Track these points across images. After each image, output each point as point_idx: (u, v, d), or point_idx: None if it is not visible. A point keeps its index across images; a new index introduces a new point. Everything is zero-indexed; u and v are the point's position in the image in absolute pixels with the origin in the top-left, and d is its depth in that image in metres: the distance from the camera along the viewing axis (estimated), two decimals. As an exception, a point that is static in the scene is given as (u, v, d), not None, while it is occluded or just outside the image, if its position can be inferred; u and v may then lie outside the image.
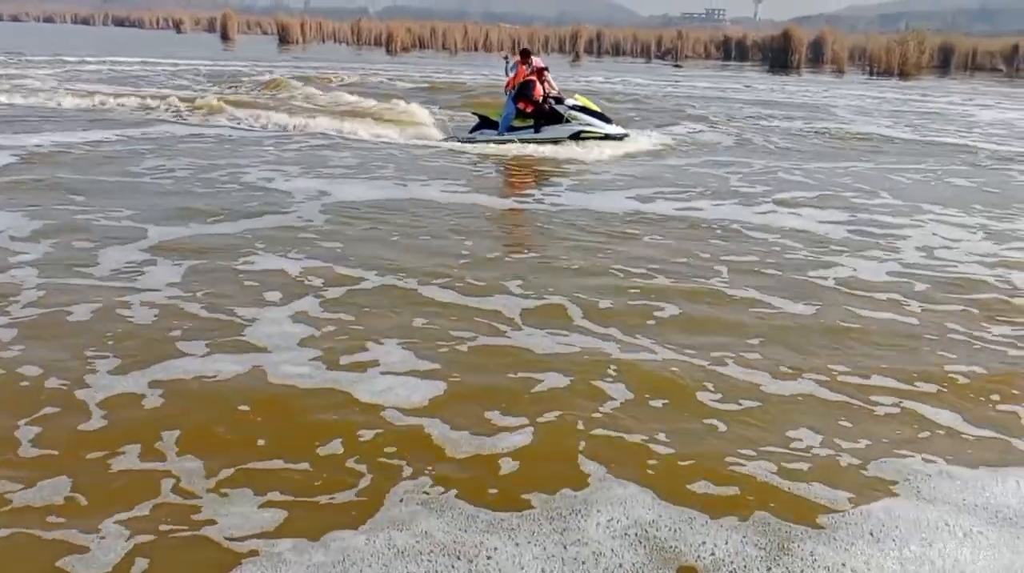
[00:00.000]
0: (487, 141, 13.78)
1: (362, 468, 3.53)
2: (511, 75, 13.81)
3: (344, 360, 4.62)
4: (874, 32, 62.06)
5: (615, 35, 62.20)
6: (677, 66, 49.35)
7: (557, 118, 13.71)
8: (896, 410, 4.22)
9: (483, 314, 5.42)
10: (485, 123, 14.30)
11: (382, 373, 4.45)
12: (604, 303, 5.69)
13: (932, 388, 4.50)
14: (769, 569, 2.91)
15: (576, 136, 13.56)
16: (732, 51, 57.45)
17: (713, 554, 2.98)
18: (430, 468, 3.53)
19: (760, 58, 53.07)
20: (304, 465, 3.54)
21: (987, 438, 3.97)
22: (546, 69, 13.93)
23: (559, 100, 13.87)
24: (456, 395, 4.23)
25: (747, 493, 3.39)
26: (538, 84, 13.68)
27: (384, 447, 3.69)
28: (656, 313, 5.53)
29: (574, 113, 13.75)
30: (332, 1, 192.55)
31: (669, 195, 9.75)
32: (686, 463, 3.62)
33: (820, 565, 2.94)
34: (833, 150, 14.45)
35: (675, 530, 3.13)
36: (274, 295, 5.66)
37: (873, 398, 4.35)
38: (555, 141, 13.45)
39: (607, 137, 13.65)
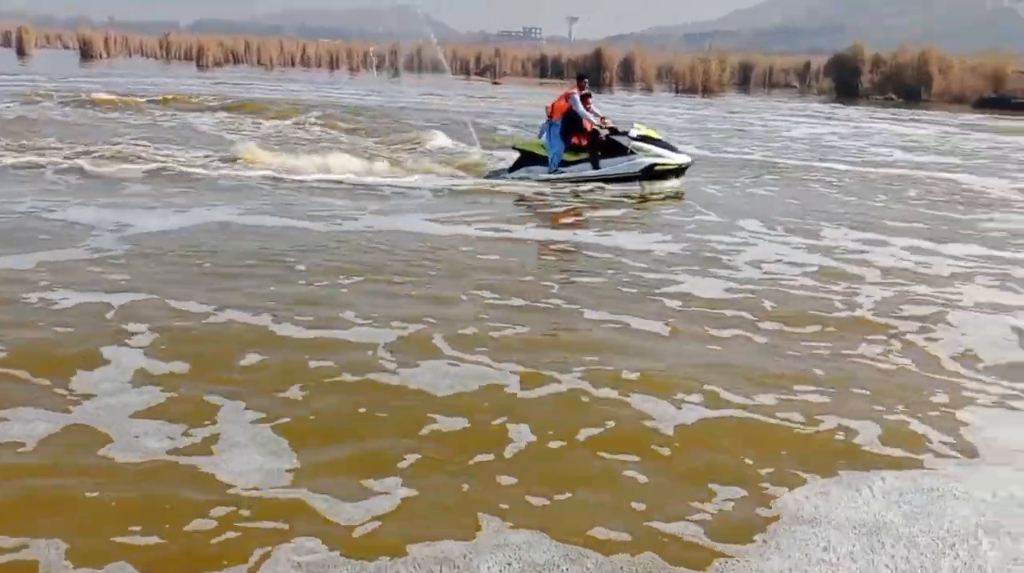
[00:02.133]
0: (539, 179, 12.13)
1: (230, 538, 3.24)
2: (555, 102, 12.12)
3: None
4: (680, 52, 65.19)
5: (434, 51, 62.46)
6: (495, 83, 50.12)
7: (618, 150, 12.08)
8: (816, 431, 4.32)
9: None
10: (528, 158, 12.45)
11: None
12: (466, 330, 5.56)
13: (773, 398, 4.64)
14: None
15: (649, 171, 12.00)
16: (548, 69, 58.98)
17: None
18: (304, 533, 3.29)
19: (575, 75, 54.66)
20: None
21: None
22: (589, 95, 12.41)
23: (615, 131, 12.24)
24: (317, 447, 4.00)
25: (633, 533, 3.34)
26: (590, 113, 12.13)
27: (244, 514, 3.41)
28: (502, 333, 5.46)
29: (639, 144, 12.07)
30: (138, 14, 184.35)
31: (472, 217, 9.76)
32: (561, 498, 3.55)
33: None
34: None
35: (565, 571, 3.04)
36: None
37: (784, 417, 4.42)
38: (625, 178, 11.99)
39: (680, 169, 12.22)
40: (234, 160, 12.78)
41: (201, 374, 4.69)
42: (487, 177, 12.66)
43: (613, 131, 12.15)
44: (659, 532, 3.33)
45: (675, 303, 6.35)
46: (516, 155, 12.66)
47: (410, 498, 3.51)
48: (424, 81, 47.20)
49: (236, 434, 4.00)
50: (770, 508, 3.52)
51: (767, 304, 6.43)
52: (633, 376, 4.85)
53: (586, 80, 12.94)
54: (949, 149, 20.28)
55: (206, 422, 4.11)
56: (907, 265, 7.88)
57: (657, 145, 12.16)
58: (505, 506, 3.47)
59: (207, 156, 13.20)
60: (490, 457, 3.88)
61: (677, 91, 47.25)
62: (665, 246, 8.33)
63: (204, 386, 4.53)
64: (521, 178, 12.30)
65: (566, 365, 4.96)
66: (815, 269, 7.63)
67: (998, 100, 40.36)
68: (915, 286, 7.11)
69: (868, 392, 4.77)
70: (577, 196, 11.32)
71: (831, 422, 4.37)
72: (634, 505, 3.52)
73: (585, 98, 12.13)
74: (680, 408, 4.45)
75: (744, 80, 54.07)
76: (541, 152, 12.34)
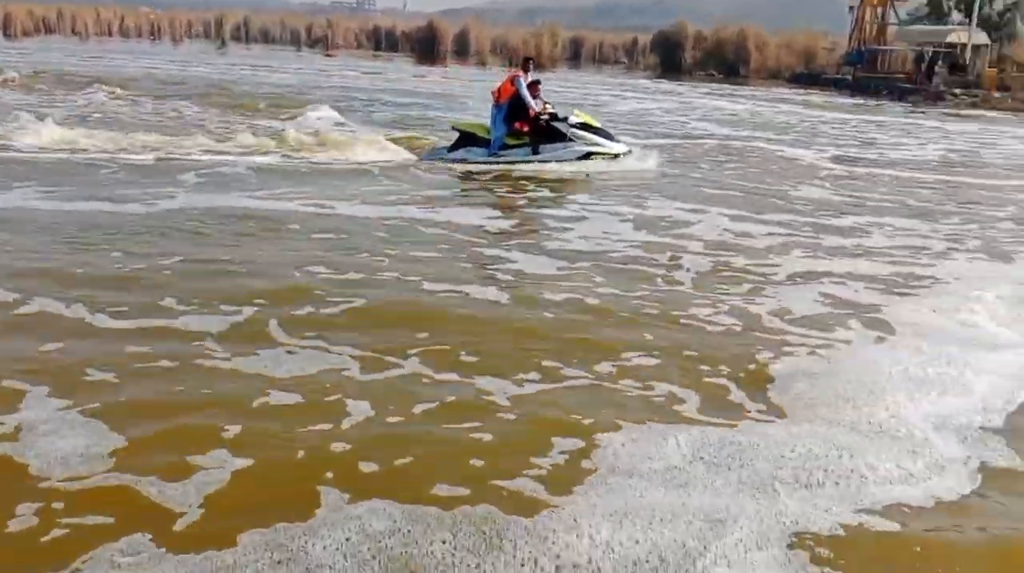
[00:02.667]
0: (476, 162, 12.09)
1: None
2: (501, 86, 12.09)
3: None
4: (514, 26, 65.73)
5: (264, 21, 60.58)
6: (328, 55, 49.17)
7: (556, 137, 12.16)
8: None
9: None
10: (468, 139, 12.46)
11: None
12: (301, 310, 5.56)
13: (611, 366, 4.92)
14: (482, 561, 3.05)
15: (586, 158, 12.12)
16: (382, 41, 58.23)
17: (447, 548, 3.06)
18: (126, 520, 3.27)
19: (409, 48, 54.27)
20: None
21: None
22: (538, 82, 12.34)
23: (554, 116, 12.27)
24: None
25: (472, 488, 3.50)
26: (534, 99, 12.11)
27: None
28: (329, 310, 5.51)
29: (578, 132, 12.23)
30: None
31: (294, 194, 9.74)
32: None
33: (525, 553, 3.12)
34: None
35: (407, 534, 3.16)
36: None
37: (615, 381, 4.65)
38: (559, 163, 11.99)
39: (616, 157, 12.31)
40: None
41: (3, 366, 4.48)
42: (424, 158, 12.56)
43: (553, 117, 12.21)
44: (497, 487, 3.50)
45: (508, 278, 6.52)
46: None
47: (242, 471, 3.54)
48: (253, 53, 45.69)
49: (46, 420, 3.89)
50: (593, 462, 3.75)
51: (598, 277, 6.67)
52: (472, 349, 5.00)
53: (531, 62, 12.87)
54: (763, 123, 21.46)
55: (9, 410, 3.97)
56: (727, 235, 8.32)
57: (595, 133, 12.34)
58: (343, 477, 3.55)
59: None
60: (327, 427, 3.95)
61: (511, 65, 47.68)
62: (497, 222, 8.51)
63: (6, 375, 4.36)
64: (458, 160, 12.27)
65: (406, 341, 5.06)
66: (642, 241, 7.95)
67: (809, 76, 42.88)
68: (734, 256, 7.53)
69: (695, 354, 5.09)
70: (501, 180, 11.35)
71: (658, 384, 4.65)
72: (473, 464, 3.68)
73: (533, 84, 12.12)
74: (518, 378, 4.62)
75: (575, 55, 55.12)
76: (483, 134, 12.33)
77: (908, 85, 35.75)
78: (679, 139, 16.85)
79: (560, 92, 29.15)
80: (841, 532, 3.33)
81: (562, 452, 3.84)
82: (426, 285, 6.18)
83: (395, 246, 7.25)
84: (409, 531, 3.17)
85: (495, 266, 6.87)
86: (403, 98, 22.58)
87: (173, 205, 8.42)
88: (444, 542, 3.12)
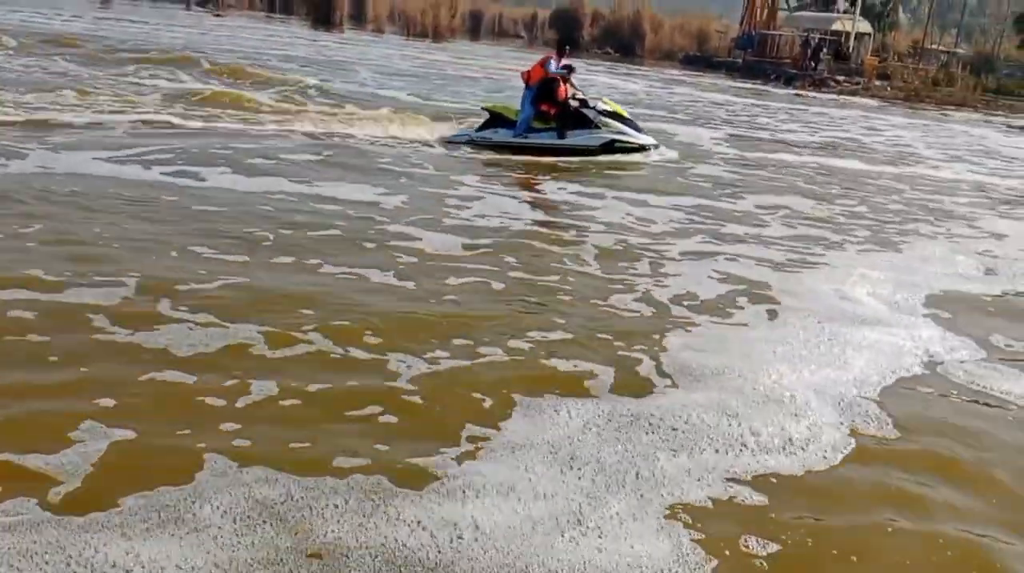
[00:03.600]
0: (501, 143, 12.00)
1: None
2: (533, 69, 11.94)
3: None
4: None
5: (150, -22, 58.10)
6: (217, 15, 47.64)
7: (583, 123, 12.02)
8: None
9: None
10: (497, 121, 12.35)
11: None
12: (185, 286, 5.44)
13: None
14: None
15: (608, 146, 11.97)
16: (276, 2, 56.71)
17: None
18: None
19: (305, 12, 52.99)
20: None
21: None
22: (571, 68, 12.12)
23: (584, 103, 12.17)
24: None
25: (368, 461, 3.53)
26: (562, 83, 11.97)
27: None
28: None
29: (605, 119, 12.11)
30: None
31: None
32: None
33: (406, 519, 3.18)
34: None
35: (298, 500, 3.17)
36: None
37: (519, 358, 4.71)
38: (583, 151, 11.89)
39: (641, 148, 12.22)
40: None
41: None
42: (450, 138, 12.45)
43: (582, 103, 12.10)
44: (395, 459, 3.52)
45: (411, 259, 6.46)
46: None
47: (124, 442, 3.49)
48: (140, 11, 43.82)
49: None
50: (488, 436, 3.80)
51: (508, 258, 6.69)
52: (375, 329, 5.00)
53: (567, 47, 12.70)
54: (658, 103, 21.87)
55: None
56: (627, 218, 8.44)
57: (622, 122, 12.19)
58: (234, 446, 3.52)
59: None
60: (221, 404, 3.90)
61: (409, 34, 47.20)
62: (392, 198, 8.43)
63: None
64: (483, 139, 12.22)
65: (308, 321, 5.02)
66: (543, 222, 8.02)
67: (701, 58, 43.83)
68: (634, 237, 7.67)
69: (592, 330, 5.19)
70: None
71: (555, 360, 4.73)
72: (370, 439, 3.69)
73: (565, 69, 11.95)
74: (420, 356, 4.63)
75: (475, 27, 54.86)
76: (512, 116, 12.22)
77: (794, 70, 36.88)
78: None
79: (457, 63, 29.15)
80: (718, 500, 3.47)
81: (459, 427, 3.88)
82: (326, 267, 6.14)
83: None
84: (302, 497, 3.20)
85: (397, 244, 6.79)
86: (292, 63, 22.08)
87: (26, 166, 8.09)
88: (335, 507, 3.16)
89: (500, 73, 26.24)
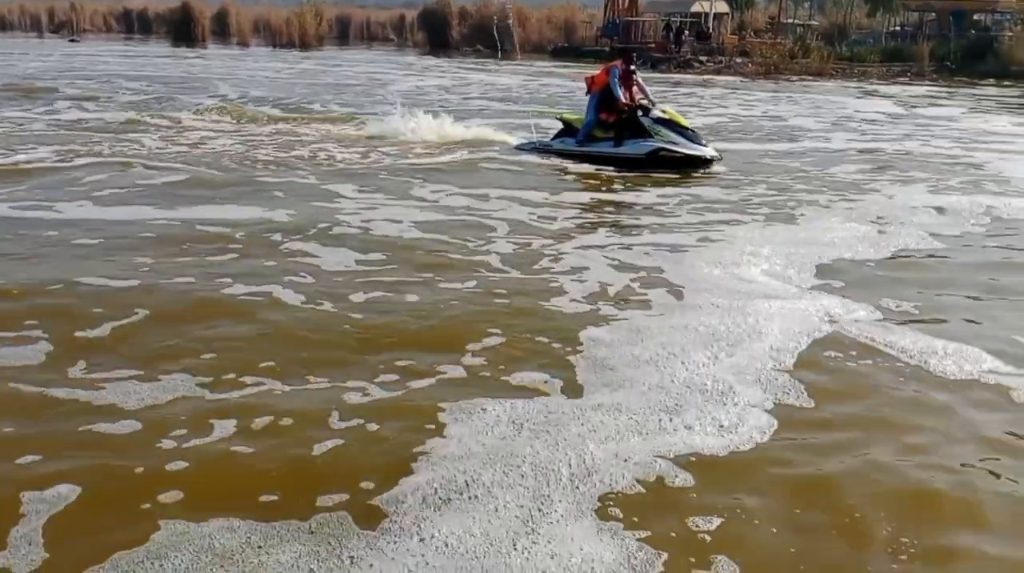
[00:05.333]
0: (563, 152, 11.99)
1: None
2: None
3: None
4: (275, 5, 63.60)
5: (-5, 7, 55.50)
6: (73, 40, 45.86)
7: (640, 131, 11.50)
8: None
9: None
10: (569, 129, 12.22)
11: None
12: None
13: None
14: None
15: (654, 156, 11.34)
16: (134, 23, 54.99)
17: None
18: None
19: (165, 31, 51.48)
20: None
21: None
22: (633, 73, 11.79)
23: (646, 110, 11.61)
24: None
25: (311, 492, 3.52)
26: (623, 90, 11.60)
27: None
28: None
29: (658, 127, 11.47)
30: None
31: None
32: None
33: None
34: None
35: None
36: None
37: (430, 360, 4.75)
38: (635, 161, 11.35)
39: (689, 160, 11.35)
40: None
41: None
42: (521, 147, 12.67)
43: (642, 110, 11.64)
44: (337, 487, 3.51)
45: (308, 279, 6.42)
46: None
47: (76, 501, 3.37)
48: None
49: None
50: (427, 449, 3.82)
51: (419, 255, 6.77)
52: (299, 352, 4.97)
53: (633, 55, 12.50)
54: (531, 96, 22.13)
55: None
56: (527, 215, 8.52)
57: (679, 132, 11.54)
58: (184, 494, 3.46)
59: None
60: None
61: (275, 45, 46.42)
62: (277, 216, 8.37)
63: None
64: (547, 147, 12.34)
65: (199, 343, 4.96)
66: (437, 223, 8.00)
67: (571, 48, 44.49)
68: (539, 236, 7.76)
69: (509, 330, 5.26)
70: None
71: (477, 362, 4.80)
72: (311, 466, 3.67)
73: (628, 75, 11.70)
74: (348, 374, 4.62)
75: (343, 33, 54.26)
76: (579, 126, 12.09)
77: (659, 54, 37.84)
78: (471, 118, 17.07)
79: (331, 71, 28.86)
80: (651, 490, 3.56)
81: (396, 443, 3.89)
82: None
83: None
84: (255, 541, 3.16)
85: (297, 261, 6.71)
86: (140, 82, 21.50)
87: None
88: (293, 543, 3.15)
89: (379, 73, 26.13)
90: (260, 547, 3.13)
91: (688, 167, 11.27)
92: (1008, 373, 4.80)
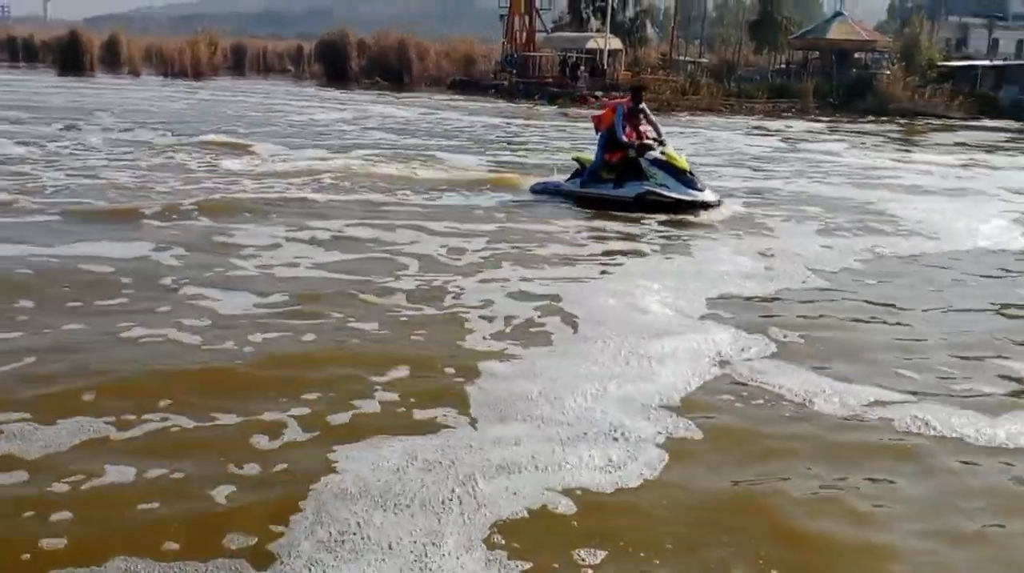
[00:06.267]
0: (568, 192, 11.63)
1: None
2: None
3: None
4: (167, 34, 62.40)
5: None
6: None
7: (639, 173, 11.04)
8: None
9: None
10: (583, 170, 11.74)
11: None
12: None
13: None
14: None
15: (641, 199, 10.89)
16: (19, 52, 53.14)
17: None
18: None
19: (52, 60, 49.83)
20: None
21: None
22: (640, 112, 11.31)
23: (646, 150, 11.10)
24: None
25: (200, 537, 3.44)
26: (629, 128, 11.10)
27: None
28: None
29: (653, 169, 10.98)
30: None
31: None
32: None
33: None
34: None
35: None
36: None
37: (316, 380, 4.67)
38: (625, 204, 10.91)
39: (680, 205, 10.82)
40: None
41: None
42: (534, 188, 12.22)
43: (641, 149, 11.12)
44: (222, 529, 3.45)
45: (203, 322, 6.32)
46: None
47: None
48: None
49: None
50: (319, 489, 3.78)
51: (321, 293, 6.73)
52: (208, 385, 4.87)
53: (643, 92, 11.95)
54: (437, 131, 22.24)
55: None
56: (439, 250, 8.49)
57: (672, 174, 11.01)
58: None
59: None
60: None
61: (167, 75, 45.46)
62: (165, 257, 8.18)
63: None
64: (555, 189, 11.92)
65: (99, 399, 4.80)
66: (340, 262, 7.89)
67: (469, 82, 44.82)
68: (442, 271, 7.77)
69: (402, 366, 5.25)
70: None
71: (378, 398, 4.80)
72: (200, 511, 3.58)
73: (634, 113, 11.29)
74: (235, 410, 4.55)
75: (238, 63, 53.45)
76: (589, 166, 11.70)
77: (557, 89, 38.49)
78: (368, 149, 17.04)
79: (228, 102, 28.40)
80: (541, 522, 3.61)
81: (292, 484, 3.85)
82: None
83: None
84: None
85: (192, 303, 6.53)
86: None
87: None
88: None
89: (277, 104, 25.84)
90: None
91: (681, 210, 10.84)
92: (889, 406, 4.99)
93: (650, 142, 11.21)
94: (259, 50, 55.86)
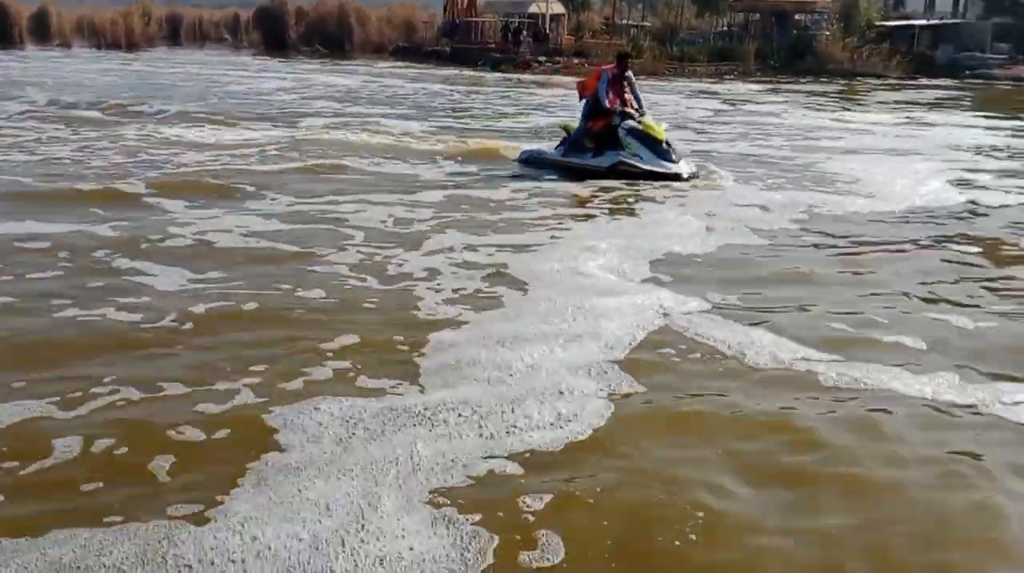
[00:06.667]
0: (551, 162, 11.49)
1: None
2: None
3: None
4: (101, 5, 60.64)
5: None
6: None
7: (617, 141, 10.83)
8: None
9: None
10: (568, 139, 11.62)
11: None
12: None
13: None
14: None
15: (613, 168, 10.72)
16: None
17: None
18: None
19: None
20: None
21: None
22: (624, 80, 11.05)
23: (627, 118, 10.86)
24: None
25: (143, 501, 3.43)
26: (612, 95, 10.85)
27: None
28: None
29: (628, 139, 10.79)
30: None
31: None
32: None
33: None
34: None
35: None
36: None
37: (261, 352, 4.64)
38: (598, 174, 10.69)
39: (651, 175, 10.60)
40: None
41: None
42: (520, 157, 12.15)
43: (623, 116, 10.91)
44: (164, 494, 3.42)
45: (142, 299, 6.21)
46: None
47: None
48: None
49: None
50: (263, 458, 3.76)
51: (263, 265, 6.63)
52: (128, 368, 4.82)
53: (628, 59, 11.55)
54: (371, 97, 22.03)
55: None
56: (387, 220, 8.42)
57: (647, 145, 10.80)
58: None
59: None
60: None
61: (100, 47, 44.32)
62: (98, 229, 8.03)
63: None
64: (539, 157, 11.82)
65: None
66: (282, 232, 7.81)
67: (411, 48, 44.41)
68: (390, 241, 7.73)
69: (349, 334, 5.24)
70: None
71: (314, 366, 4.78)
72: (145, 474, 3.56)
73: (619, 79, 11.04)
74: (174, 384, 4.52)
75: (174, 33, 52.27)
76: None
77: (500, 55, 38.29)
78: (311, 118, 16.83)
79: (164, 73, 27.79)
80: (486, 481, 3.65)
81: (234, 450, 3.86)
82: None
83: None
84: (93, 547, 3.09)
85: (128, 274, 6.47)
86: None
87: None
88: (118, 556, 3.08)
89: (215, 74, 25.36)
90: (98, 553, 3.09)
91: (654, 180, 10.59)
92: (817, 360, 5.11)
93: (631, 111, 11.05)
94: (195, 19, 54.67)
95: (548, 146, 12.27)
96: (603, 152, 10.98)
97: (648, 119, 11.13)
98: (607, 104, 10.94)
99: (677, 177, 10.73)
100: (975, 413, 4.50)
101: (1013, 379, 4.89)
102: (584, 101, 11.33)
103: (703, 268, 7.10)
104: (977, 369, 5.02)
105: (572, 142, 11.39)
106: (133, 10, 47.43)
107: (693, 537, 3.34)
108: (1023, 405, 4.55)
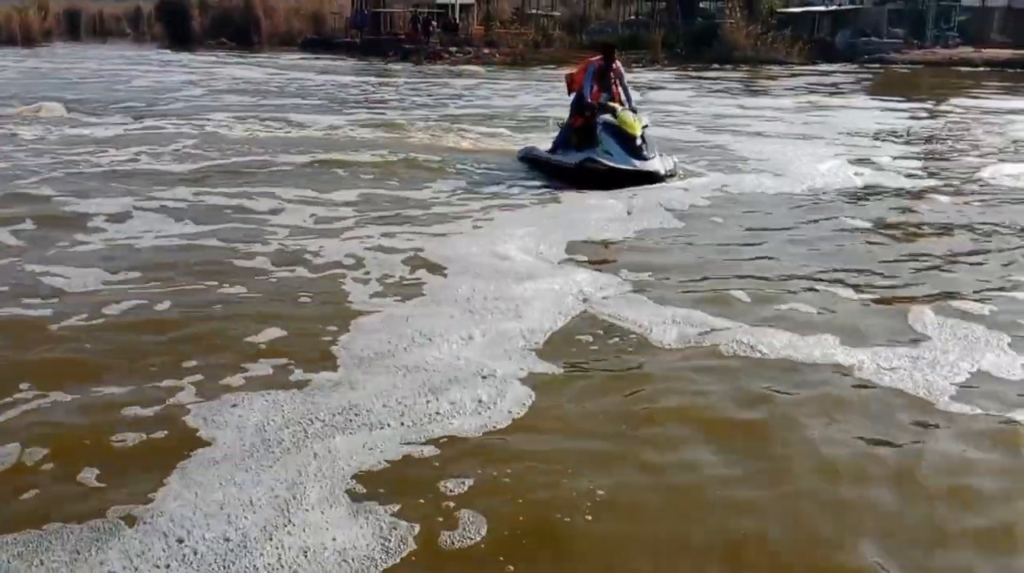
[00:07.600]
0: (539, 159, 10.98)
1: None
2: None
3: None
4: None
5: None
6: None
7: (593, 139, 9.99)
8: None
9: None
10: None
11: None
12: None
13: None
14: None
15: (581, 166, 9.84)
16: None
17: None
18: None
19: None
20: None
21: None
22: (608, 70, 10.39)
23: (606, 111, 10.08)
24: None
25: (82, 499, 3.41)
26: (597, 88, 10.28)
27: None
28: None
29: (602, 134, 9.90)
30: None
31: None
32: None
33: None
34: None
35: None
36: None
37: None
38: (569, 172, 9.98)
39: (621, 176, 9.62)
40: None
41: None
42: (520, 155, 11.64)
43: (602, 109, 10.15)
44: (102, 503, 3.40)
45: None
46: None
47: None
48: None
49: None
50: (181, 451, 3.78)
51: (180, 264, 6.54)
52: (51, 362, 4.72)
53: (614, 49, 10.81)
54: (280, 90, 21.72)
55: None
56: (307, 220, 8.26)
57: (619, 141, 9.88)
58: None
59: None
60: None
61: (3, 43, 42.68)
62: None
63: None
64: (532, 155, 11.26)
65: None
66: (200, 232, 7.69)
67: (320, 40, 43.74)
68: (310, 237, 7.67)
69: (267, 326, 5.24)
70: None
71: (246, 359, 4.81)
72: (81, 475, 3.55)
73: (605, 72, 10.38)
74: (93, 389, 4.48)
75: (73, 28, 50.49)
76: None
77: (410, 45, 38.01)
78: (220, 113, 16.51)
79: (63, 69, 26.90)
80: (406, 469, 3.71)
81: (157, 449, 3.85)
82: None
83: None
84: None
85: (37, 277, 6.33)
86: None
87: None
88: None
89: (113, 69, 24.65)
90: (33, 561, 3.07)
91: (624, 182, 9.62)
92: (719, 332, 5.33)
93: (614, 105, 10.29)
94: (95, 13, 52.94)
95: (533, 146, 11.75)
96: (582, 149, 10.14)
97: (624, 112, 10.18)
98: (589, 98, 10.38)
99: (650, 177, 9.79)
100: (846, 374, 4.78)
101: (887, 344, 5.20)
102: (573, 96, 10.77)
103: (620, 250, 7.30)
104: (857, 337, 5.29)
105: (562, 140, 10.75)
106: (28, 5, 45.69)
107: (611, 515, 3.45)
108: (893, 368, 4.84)
